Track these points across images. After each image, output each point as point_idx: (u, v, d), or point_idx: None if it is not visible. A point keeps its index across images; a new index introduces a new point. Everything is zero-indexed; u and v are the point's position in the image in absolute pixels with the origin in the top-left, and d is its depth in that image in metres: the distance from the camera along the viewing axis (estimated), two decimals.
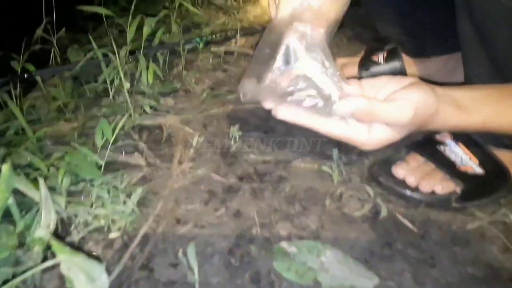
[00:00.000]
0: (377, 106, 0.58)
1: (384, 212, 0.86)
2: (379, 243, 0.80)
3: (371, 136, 0.60)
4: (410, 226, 0.83)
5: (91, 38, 1.14)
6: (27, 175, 0.87)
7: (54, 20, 1.37)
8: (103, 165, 0.89)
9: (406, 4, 1.12)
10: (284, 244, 0.78)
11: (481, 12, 0.72)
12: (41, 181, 0.68)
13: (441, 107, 0.60)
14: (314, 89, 0.61)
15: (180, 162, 1.00)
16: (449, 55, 1.17)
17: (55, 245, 0.50)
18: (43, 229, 0.66)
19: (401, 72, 1.23)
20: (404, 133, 0.60)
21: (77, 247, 0.79)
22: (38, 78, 1.24)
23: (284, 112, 0.61)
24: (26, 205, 0.82)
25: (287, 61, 0.63)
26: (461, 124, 0.63)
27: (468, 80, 0.86)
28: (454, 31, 0.82)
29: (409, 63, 1.23)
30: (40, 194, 0.68)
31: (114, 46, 1.10)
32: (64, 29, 1.48)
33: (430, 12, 1.12)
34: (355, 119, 0.59)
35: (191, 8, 1.48)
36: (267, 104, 0.63)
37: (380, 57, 1.25)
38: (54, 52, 1.38)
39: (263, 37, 0.66)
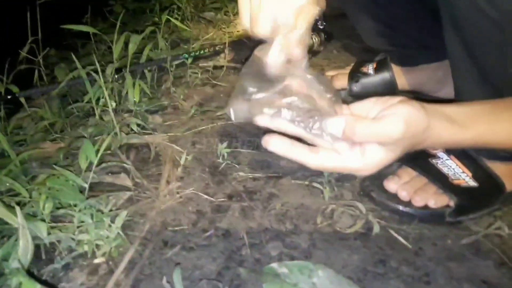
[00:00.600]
0: (368, 124, 0.56)
1: (376, 229, 0.83)
2: (372, 261, 0.78)
3: (366, 160, 0.58)
4: (403, 242, 0.81)
5: (74, 57, 1.11)
6: (9, 201, 0.85)
7: (40, 39, 1.35)
8: (87, 188, 0.87)
9: (389, 17, 1.12)
10: (274, 265, 0.75)
11: (467, 24, 0.71)
12: (17, 210, 0.66)
13: (433, 122, 0.58)
14: (307, 105, 0.59)
15: (168, 182, 0.98)
16: (438, 63, 1.16)
17: (26, 282, 0.48)
18: (20, 260, 0.64)
19: (391, 82, 1.21)
20: (398, 152, 0.59)
21: (61, 275, 0.77)
22: (22, 99, 1.22)
23: (276, 144, 0.60)
24: (7, 231, 0.81)
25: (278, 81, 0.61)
26: (456, 139, 0.61)
27: (458, 91, 0.84)
28: (440, 40, 0.81)
29: (398, 73, 1.22)
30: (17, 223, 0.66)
31: (98, 65, 1.08)
32: (51, 47, 1.47)
33: (413, 24, 1.11)
34: (347, 139, 0.58)
35: (178, 23, 1.46)
36: (260, 120, 0.61)
37: (369, 68, 1.23)
38: (40, 71, 1.36)
39: (247, 64, 0.64)
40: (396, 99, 0.60)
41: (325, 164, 0.59)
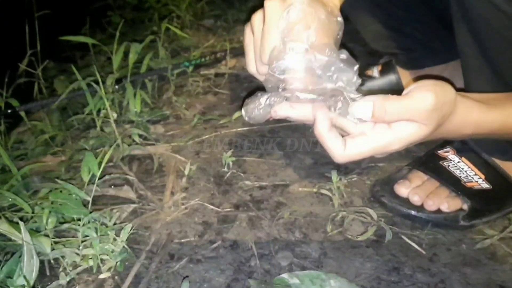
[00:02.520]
0: (398, 101, 0.52)
1: (389, 235, 0.81)
2: (386, 269, 0.76)
3: (395, 132, 0.54)
4: (417, 249, 0.79)
5: (74, 69, 1.10)
6: (11, 216, 0.83)
7: (39, 52, 1.33)
8: (90, 202, 0.85)
9: (393, 20, 1.10)
10: (285, 276, 0.73)
11: (480, 21, 0.69)
12: (22, 226, 0.64)
13: (460, 98, 0.56)
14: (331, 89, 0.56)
15: (172, 193, 0.96)
16: (443, 65, 1.14)
17: None
18: (25, 277, 0.62)
19: (398, 85, 1.19)
20: (431, 127, 0.54)
21: None
22: (22, 113, 1.21)
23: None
24: (11, 247, 0.79)
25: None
26: (485, 119, 0.59)
27: (469, 89, 0.82)
28: (445, 42, 0.79)
29: (404, 75, 1.20)
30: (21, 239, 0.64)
31: (98, 76, 1.06)
32: (50, 60, 1.46)
33: (417, 27, 1.10)
34: (377, 121, 0.54)
35: (178, 32, 1.45)
36: (280, 110, 0.58)
37: (374, 71, 1.21)
38: (39, 84, 1.35)
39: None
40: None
41: (353, 153, 0.56)
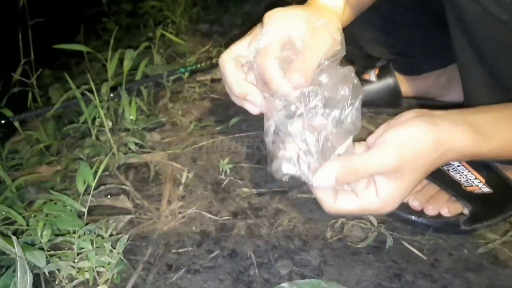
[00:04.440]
0: (356, 161, 0.55)
1: (389, 241, 0.80)
2: (387, 276, 0.75)
3: (382, 197, 0.57)
4: (418, 254, 0.78)
5: (67, 77, 1.09)
6: (6, 230, 0.82)
7: (33, 60, 1.32)
8: (85, 213, 0.83)
9: (390, 25, 1.09)
10: (285, 285, 0.72)
11: (476, 28, 0.68)
12: (14, 240, 0.63)
13: (448, 140, 0.56)
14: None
15: (169, 202, 0.95)
16: (440, 70, 1.13)
17: None
18: None
19: (395, 89, 1.18)
20: (412, 178, 0.56)
21: None
22: (16, 123, 1.20)
23: None
24: (5, 261, 0.78)
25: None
26: (481, 152, 0.58)
27: (468, 97, 0.81)
28: (442, 46, 0.79)
29: (402, 79, 1.18)
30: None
31: (92, 84, 1.05)
32: (44, 68, 1.45)
33: (414, 31, 1.08)
34: (342, 184, 0.57)
35: (173, 38, 1.44)
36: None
37: (371, 75, 1.20)
38: (34, 93, 1.33)
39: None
40: (404, 117, 0.58)
41: (342, 208, 0.59)
